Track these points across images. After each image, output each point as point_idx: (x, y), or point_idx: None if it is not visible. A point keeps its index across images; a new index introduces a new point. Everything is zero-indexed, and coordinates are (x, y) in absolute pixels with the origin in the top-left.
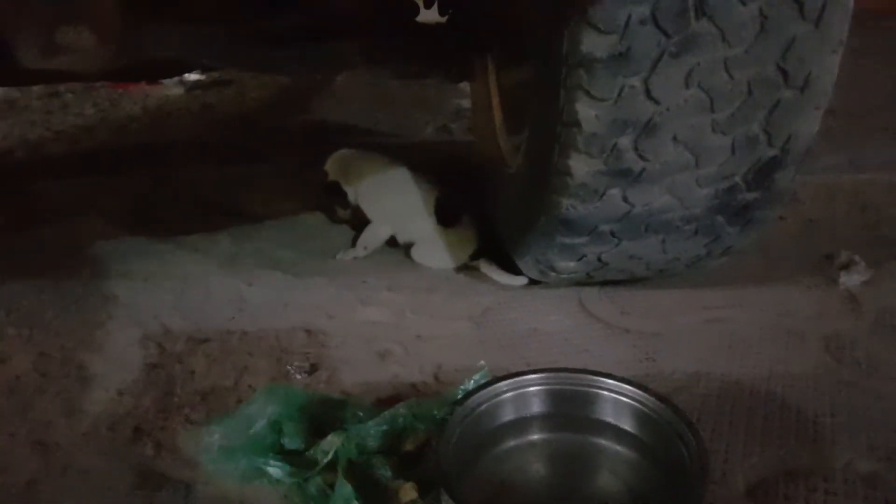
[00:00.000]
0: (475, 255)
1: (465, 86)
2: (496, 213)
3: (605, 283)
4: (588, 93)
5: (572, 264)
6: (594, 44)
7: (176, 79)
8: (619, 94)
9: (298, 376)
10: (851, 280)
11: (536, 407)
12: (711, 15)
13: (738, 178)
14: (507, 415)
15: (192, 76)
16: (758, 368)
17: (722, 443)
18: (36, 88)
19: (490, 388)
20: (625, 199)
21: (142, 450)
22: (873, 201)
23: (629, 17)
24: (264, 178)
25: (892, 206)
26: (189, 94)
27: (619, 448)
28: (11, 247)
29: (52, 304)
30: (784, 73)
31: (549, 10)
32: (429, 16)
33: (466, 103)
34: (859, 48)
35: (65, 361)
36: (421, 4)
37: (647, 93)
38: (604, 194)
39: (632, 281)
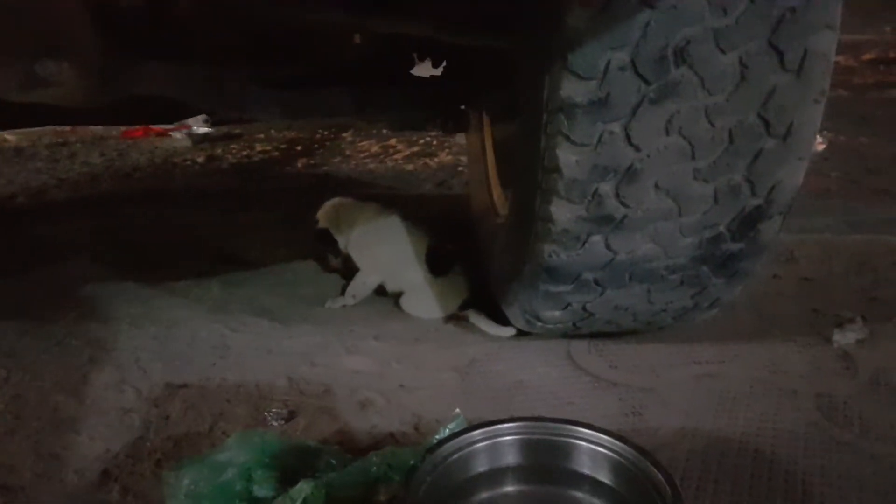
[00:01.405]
0: (465, 305)
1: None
2: (488, 263)
3: (594, 336)
4: (568, 138)
5: (557, 313)
6: (574, 90)
7: (185, 131)
8: (599, 140)
9: (275, 423)
10: (846, 338)
11: (511, 457)
12: (691, 63)
13: (722, 228)
14: (481, 465)
15: (201, 129)
16: (747, 425)
17: (706, 501)
18: (45, 138)
19: (463, 437)
20: (607, 247)
21: (107, 495)
22: (870, 262)
23: (608, 63)
24: (262, 226)
25: (889, 266)
26: (196, 146)
27: (595, 501)
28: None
29: (33, 346)
30: (765, 122)
31: (530, 56)
32: (424, 69)
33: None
34: (861, 118)
35: (39, 404)
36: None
37: (628, 139)
38: (586, 241)
39: (621, 334)
